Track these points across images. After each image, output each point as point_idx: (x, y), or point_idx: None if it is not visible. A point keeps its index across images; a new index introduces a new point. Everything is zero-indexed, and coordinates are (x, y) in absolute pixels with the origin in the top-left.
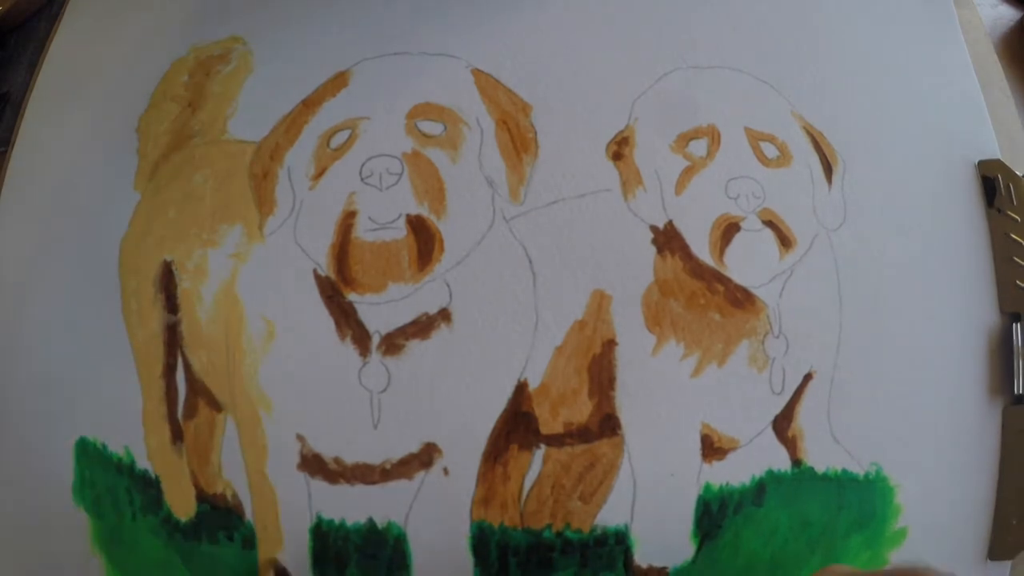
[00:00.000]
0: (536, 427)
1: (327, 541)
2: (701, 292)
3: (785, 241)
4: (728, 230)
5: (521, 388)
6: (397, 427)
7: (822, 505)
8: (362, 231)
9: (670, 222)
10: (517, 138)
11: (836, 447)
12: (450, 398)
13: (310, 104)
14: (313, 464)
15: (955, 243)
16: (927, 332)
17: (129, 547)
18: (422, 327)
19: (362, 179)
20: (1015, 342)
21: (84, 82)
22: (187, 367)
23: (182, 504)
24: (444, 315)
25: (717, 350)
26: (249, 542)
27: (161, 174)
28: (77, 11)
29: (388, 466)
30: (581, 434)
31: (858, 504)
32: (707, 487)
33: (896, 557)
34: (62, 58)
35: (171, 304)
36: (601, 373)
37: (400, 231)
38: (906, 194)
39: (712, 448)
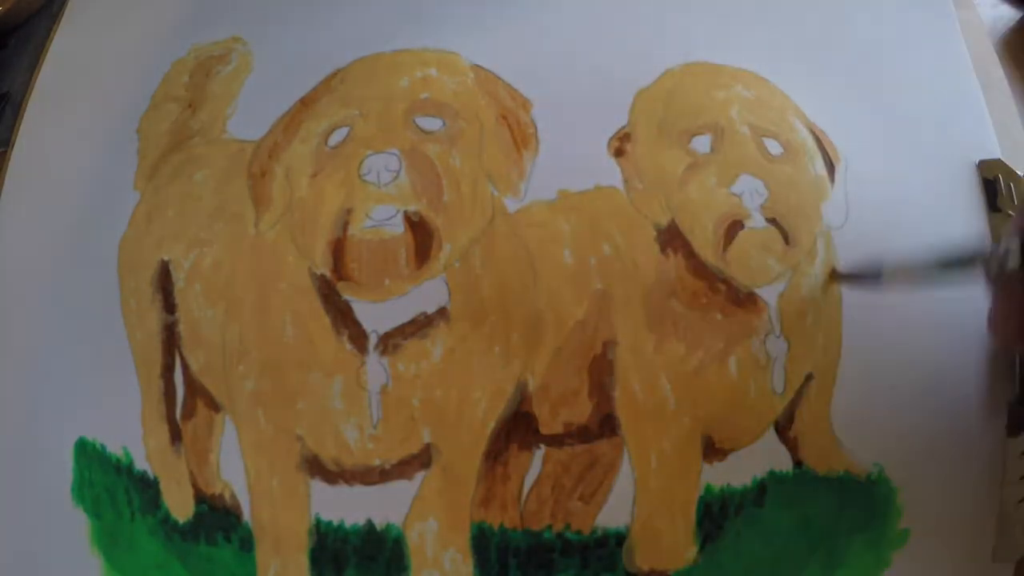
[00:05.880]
0: (536, 427)
1: (325, 543)
2: (703, 291)
3: (788, 239)
4: (731, 228)
5: (521, 388)
6: (396, 427)
7: (824, 506)
8: (359, 228)
9: (672, 220)
10: (517, 134)
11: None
12: (449, 398)
13: (308, 102)
14: (312, 465)
15: (957, 243)
16: (929, 332)
17: (128, 547)
18: (420, 326)
19: (360, 176)
20: None
21: (84, 82)
22: (185, 367)
23: (180, 505)
24: (443, 314)
25: (718, 350)
26: (247, 543)
27: (161, 174)
28: (77, 11)
29: (387, 467)
30: (581, 434)
31: (860, 505)
32: (708, 488)
33: (899, 558)
34: (62, 58)
35: (168, 304)
36: (601, 373)
37: (398, 228)
38: (907, 194)
39: (713, 448)
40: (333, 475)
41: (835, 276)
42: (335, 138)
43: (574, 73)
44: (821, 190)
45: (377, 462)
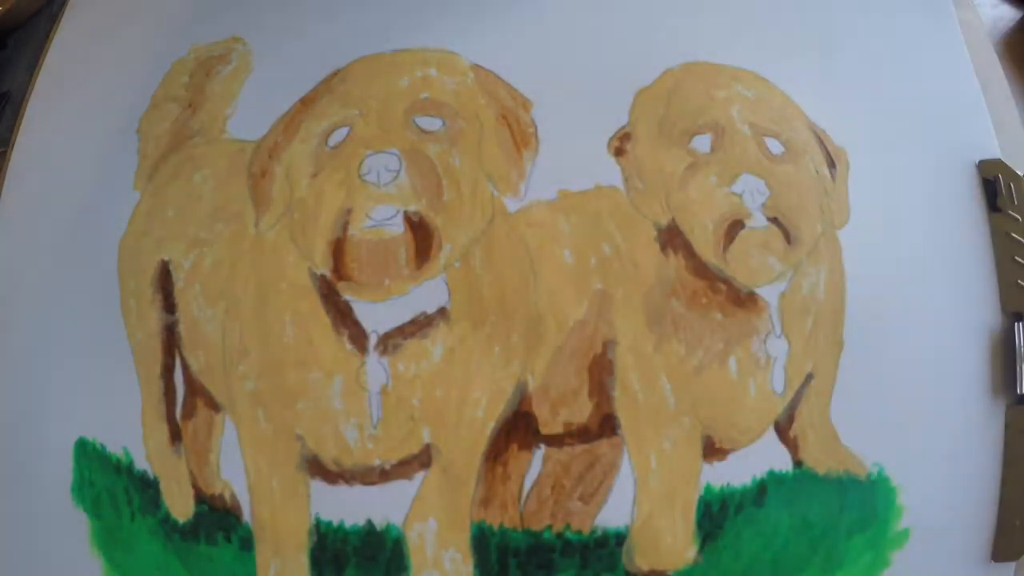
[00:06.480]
0: (536, 427)
1: (325, 543)
2: (703, 291)
3: (789, 239)
4: (731, 228)
5: (521, 388)
6: (396, 427)
7: (824, 506)
8: (359, 228)
9: (673, 220)
10: (517, 133)
11: None
12: (449, 398)
13: (308, 102)
14: (312, 465)
15: (957, 243)
16: (929, 332)
17: (128, 548)
18: (420, 326)
19: (360, 176)
20: (1017, 342)
21: (84, 82)
22: (185, 367)
23: (180, 505)
24: (443, 314)
25: (718, 350)
26: (247, 543)
27: (161, 174)
28: (77, 11)
29: (387, 467)
30: (581, 434)
31: (860, 505)
32: (708, 488)
33: (899, 558)
34: (62, 58)
35: (168, 304)
36: (601, 373)
37: (398, 228)
38: (907, 194)
39: (713, 448)
40: (333, 475)
41: None
42: (335, 138)
43: (574, 73)
44: (823, 189)
45: (377, 462)
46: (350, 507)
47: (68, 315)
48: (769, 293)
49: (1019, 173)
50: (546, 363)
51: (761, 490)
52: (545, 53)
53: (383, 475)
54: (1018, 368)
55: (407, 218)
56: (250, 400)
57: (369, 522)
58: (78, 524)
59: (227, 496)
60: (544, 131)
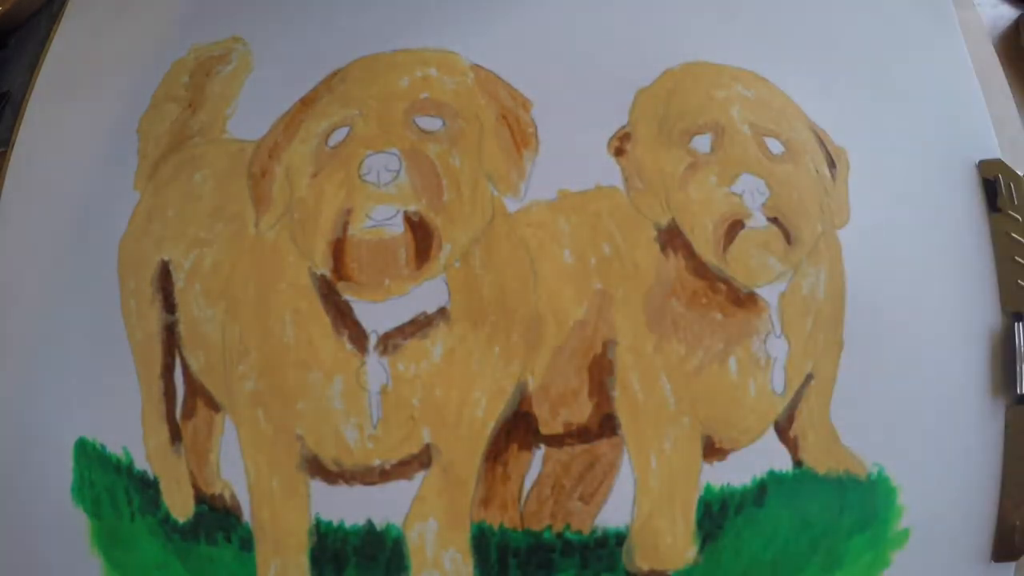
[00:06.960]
0: (536, 427)
1: (325, 543)
2: (703, 291)
3: (789, 239)
4: (731, 228)
5: (521, 388)
6: (396, 427)
7: (824, 506)
8: (359, 228)
9: (673, 220)
10: (517, 133)
11: None
12: (449, 398)
13: (308, 102)
14: (312, 465)
15: (957, 243)
16: (929, 332)
17: (128, 548)
18: (420, 326)
19: (360, 176)
20: (1017, 342)
21: (84, 82)
22: (185, 367)
23: (180, 505)
24: (443, 314)
25: (718, 350)
26: (247, 543)
27: (161, 174)
28: (77, 11)
29: (387, 467)
30: (581, 434)
31: (860, 505)
32: (708, 488)
33: (899, 558)
34: (62, 58)
35: (168, 304)
36: (601, 373)
37: (398, 228)
38: (907, 194)
39: (713, 448)
40: (333, 475)
41: None
42: (335, 138)
43: (574, 73)
44: (823, 189)
45: (377, 462)
46: (350, 507)
47: (68, 315)
48: (769, 293)
49: (1019, 173)
50: (546, 363)
51: (761, 490)
52: (545, 53)
53: (383, 475)
54: (1018, 368)
55: (407, 218)
56: (250, 400)
57: (369, 522)
58: (78, 524)
59: (227, 496)
60: (544, 131)
